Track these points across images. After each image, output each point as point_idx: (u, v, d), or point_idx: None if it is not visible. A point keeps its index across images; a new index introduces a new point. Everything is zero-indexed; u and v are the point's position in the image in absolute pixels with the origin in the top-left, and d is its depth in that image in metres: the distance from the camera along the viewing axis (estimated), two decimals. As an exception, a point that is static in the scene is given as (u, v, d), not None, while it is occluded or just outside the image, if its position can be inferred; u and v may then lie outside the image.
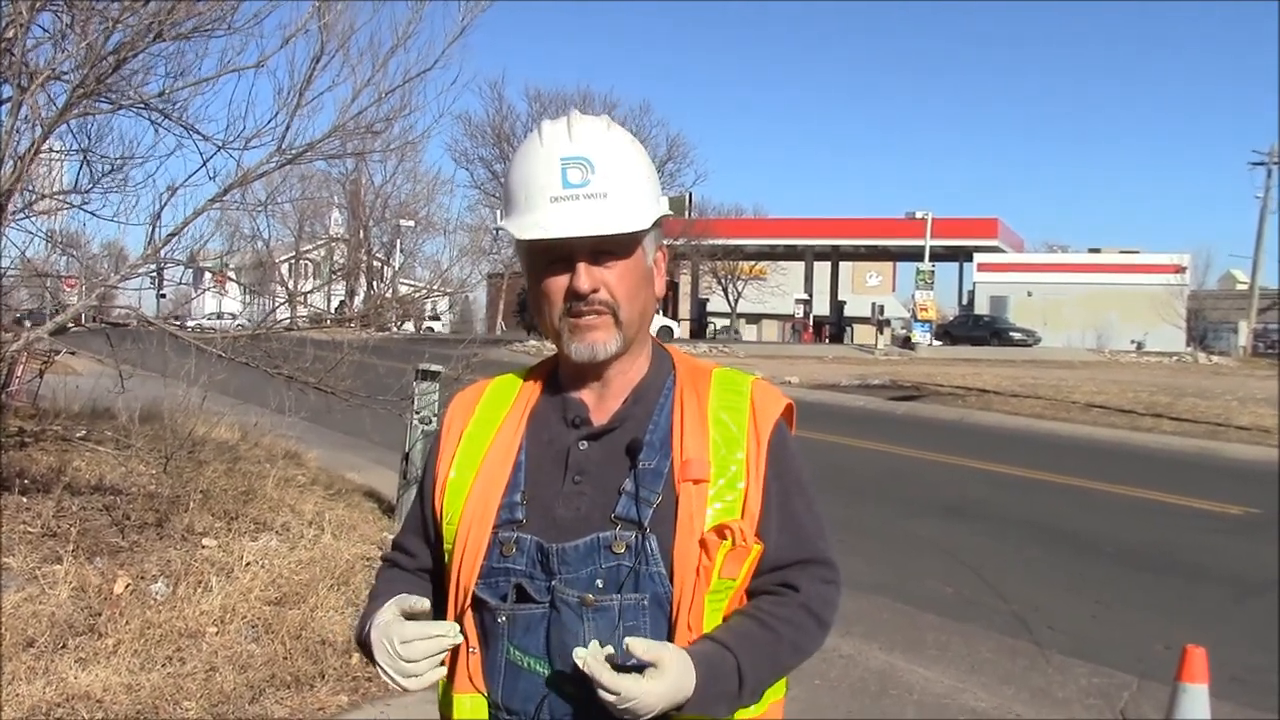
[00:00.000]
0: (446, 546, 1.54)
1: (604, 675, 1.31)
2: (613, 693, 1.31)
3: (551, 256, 1.48)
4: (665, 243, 1.61)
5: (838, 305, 56.54)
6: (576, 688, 1.40)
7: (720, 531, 1.43)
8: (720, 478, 1.47)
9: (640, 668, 1.35)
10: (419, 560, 1.63)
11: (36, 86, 5.30)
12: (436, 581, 1.62)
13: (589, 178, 1.46)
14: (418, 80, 6.09)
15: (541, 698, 1.43)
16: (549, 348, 1.59)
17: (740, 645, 1.44)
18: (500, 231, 1.54)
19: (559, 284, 1.48)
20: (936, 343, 42.06)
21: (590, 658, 1.33)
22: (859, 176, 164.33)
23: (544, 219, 1.45)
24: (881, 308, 47.95)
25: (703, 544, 1.42)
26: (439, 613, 1.60)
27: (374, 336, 9.36)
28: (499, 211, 1.56)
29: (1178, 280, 48.68)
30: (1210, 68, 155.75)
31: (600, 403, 1.55)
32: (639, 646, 1.34)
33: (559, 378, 1.60)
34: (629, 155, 1.52)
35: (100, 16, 5.40)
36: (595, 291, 1.47)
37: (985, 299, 52.03)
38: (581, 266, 1.47)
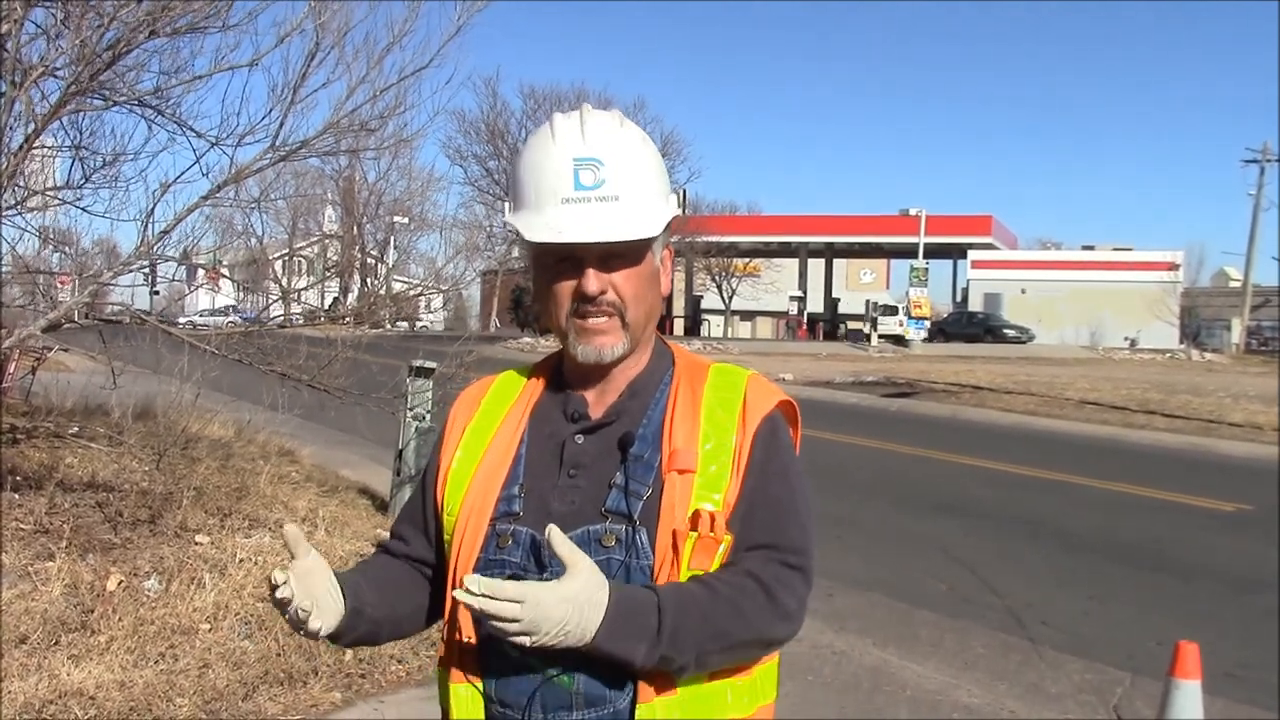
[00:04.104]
0: (446, 537, 1.55)
1: (495, 594, 1.27)
2: (515, 601, 1.26)
3: (559, 256, 1.48)
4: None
5: (832, 302, 56.57)
6: (569, 680, 1.40)
7: (694, 522, 1.42)
8: (709, 467, 1.46)
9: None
10: (410, 547, 1.64)
11: (30, 83, 5.28)
12: (433, 571, 1.63)
13: (601, 180, 1.45)
14: (413, 78, 6.06)
15: (534, 690, 1.43)
16: (544, 344, 1.59)
17: (664, 589, 1.38)
18: (507, 226, 1.53)
19: (567, 285, 1.48)
20: (918, 337, 41.99)
21: (472, 585, 1.28)
22: (853, 173, 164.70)
23: (555, 221, 1.44)
24: (876, 304, 48.05)
25: (674, 535, 1.42)
26: (436, 602, 1.62)
27: (367, 334, 9.36)
28: (506, 205, 1.55)
29: (1171, 277, 48.78)
30: (1204, 65, 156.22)
31: (600, 398, 1.56)
32: (558, 538, 1.31)
33: (563, 374, 1.60)
34: (641, 155, 1.51)
35: (94, 13, 5.38)
36: (603, 293, 1.47)
37: (979, 296, 52.08)
38: (590, 270, 1.46)
